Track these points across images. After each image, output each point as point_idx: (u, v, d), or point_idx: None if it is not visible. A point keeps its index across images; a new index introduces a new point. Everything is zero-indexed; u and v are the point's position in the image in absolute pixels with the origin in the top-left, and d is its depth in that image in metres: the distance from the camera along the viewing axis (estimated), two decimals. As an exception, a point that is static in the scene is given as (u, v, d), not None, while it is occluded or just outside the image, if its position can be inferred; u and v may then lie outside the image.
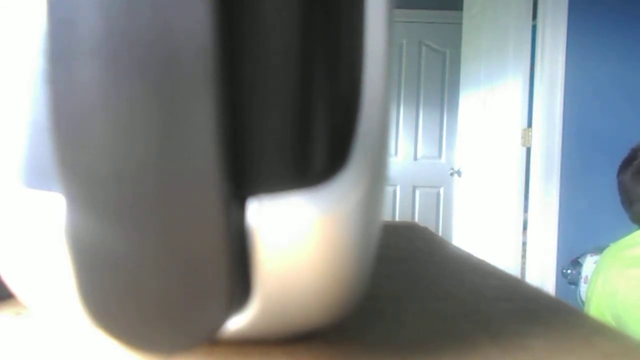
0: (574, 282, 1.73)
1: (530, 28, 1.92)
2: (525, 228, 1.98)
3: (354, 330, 0.17)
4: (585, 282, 1.60)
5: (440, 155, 3.06)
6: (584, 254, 1.72)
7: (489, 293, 0.23)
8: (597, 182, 1.86)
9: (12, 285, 0.13)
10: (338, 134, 0.12)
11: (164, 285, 0.11)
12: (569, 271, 1.76)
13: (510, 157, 2.01)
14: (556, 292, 1.86)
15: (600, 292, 1.01)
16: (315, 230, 0.12)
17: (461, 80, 2.57)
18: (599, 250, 1.54)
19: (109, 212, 0.10)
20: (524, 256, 1.99)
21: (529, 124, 1.95)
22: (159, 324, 0.11)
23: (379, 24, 0.13)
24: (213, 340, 0.15)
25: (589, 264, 1.63)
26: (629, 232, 1.08)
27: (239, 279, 0.11)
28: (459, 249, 0.35)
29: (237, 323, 0.13)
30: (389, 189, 3.01)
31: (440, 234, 2.97)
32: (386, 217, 3.00)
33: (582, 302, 1.53)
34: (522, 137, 1.94)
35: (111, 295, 0.11)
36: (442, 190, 3.05)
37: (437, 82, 3.04)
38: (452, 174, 2.69)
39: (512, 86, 1.99)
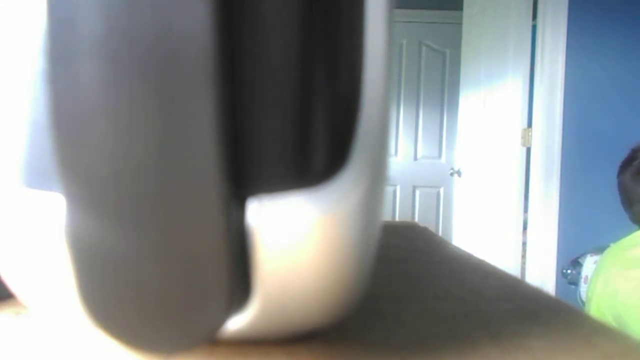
0: (574, 282, 1.73)
1: (530, 28, 1.92)
2: (525, 228, 1.98)
3: (354, 330, 0.17)
4: (585, 282, 1.60)
5: (440, 155, 3.06)
6: (584, 254, 1.72)
7: (489, 293, 0.23)
8: (597, 182, 1.86)
9: (12, 285, 0.13)
10: (338, 134, 0.12)
11: (164, 285, 0.11)
12: (569, 271, 1.76)
13: (510, 157, 2.01)
14: (556, 292, 1.86)
15: (600, 292, 1.01)
16: (315, 230, 0.12)
17: (461, 80, 2.57)
18: (599, 250, 1.54)
19: (109, 212, 0.10)
20: (524, 256, 1.99)
21: (529, 124, 1.95)
22: (159, 324, 0.11)
23: (379, 24, 0.13)
24: (213, 340, 0.15)
25: (589, 264, 1.63)
26: (629, 232, 1.08)
27: (239, 279, 0.11)
28: (459, 249, 0.35)
29: (237, 323, 0.13)
30: (389, 189, 3.01)
31: (440, 234, 2.97)
32: (386, 217, 3.00)
33: (582, 302, 1.53)
34: (522, 137, 1.94)
35: (111, 295, 0.11)
36: (442, 190, 3.05)
37: (437, 82, 3.04)
38: (452, 174, 2.69)
39: (512, 86, 1.99)
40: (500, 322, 0.19)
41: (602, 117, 1.89)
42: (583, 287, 1.61)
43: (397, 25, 2.94)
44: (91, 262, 0.11)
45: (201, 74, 0.10)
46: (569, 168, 1.89)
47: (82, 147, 0.10)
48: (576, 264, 1.74)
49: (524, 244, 1.98)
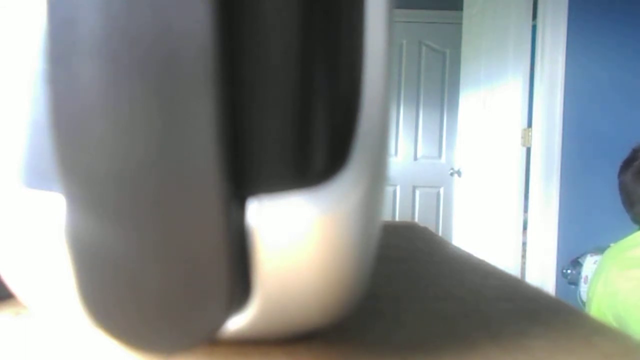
0: (574, 282, 1.72)
1: (530, 28, 1.92)
2: (525, 228, 1.98)
3: (354, 330, 0.17)
4: (585, 282, 1.60)
5: (440, 155, 3.06)
6: (584, 254, 1.72)
7: (489, 293, 0.23)
8: (597, 182, 1.86)
9: (12, 285, 0.13)
10: (338, 134, 0.12)
11: (164, 285, 0.11)
12: (569, 271, 1.76)
13: (510, 157, 2.01)
14: (556, 292, 1.86)
15: (601, 292, 1.01)
16: (315, 230, 0.12)
17: (461, 80, 2.57)
18: (599, 250, 1.54)
19: (109, 212, 0.10)
20: (524, 256, 1.99)
21: (529, 124, 1.95)
22: (159, 324, 0.11)
23: (379, 24, 0.13)
24: (213, 340, 0.15)
25: (589, 264, 1.63)
26: (629, 232, 1.08)
27: (239, 279, 0.11)
28: (459, 249, 0.35)
29: (237, 323, 0.13)
30: (389, 189, 3.01)
31: (440, 234, 2.97)
32: (386, 217, 3.00)
33: (582, 302, 1.53)
34: (522, 137, 1.94)
35: (111, 295, 0.11)
36: (442, 190, 3.05)
37: (437, 82, 3.04)
38: (452, 174, 2.69)
39: (512, 86, 1.99)
40: (500, 322, 0.19)
41: (602, 117, 1.89)
42: (583, 287, 1.61)
43: (397, 25, 2.94)
44: (91, 262, 0.11)
45: (201, 74, 0.10)
46: (569, 168, 1.89)
47: (82, 147, 0.10)
48: (576, 264, 1.73)
49: (524, 244, 1.98)
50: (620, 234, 1.13)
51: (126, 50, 0.10)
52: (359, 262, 0.13)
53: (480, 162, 2.31)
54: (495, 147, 2.14)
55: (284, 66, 0.11)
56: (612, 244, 1.13)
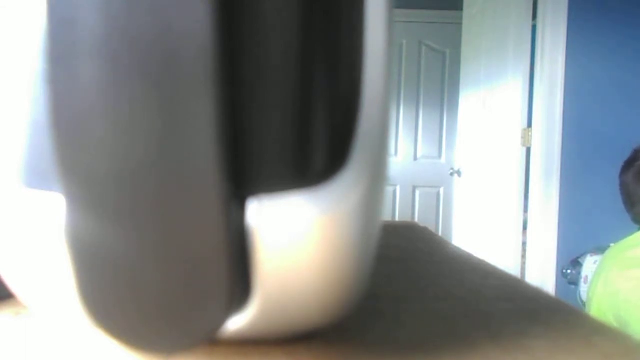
0: (574, 282, 1.72)
1: (530, 28, 1.92)
2: (525, 228, 1.98)
3: (354, 330, 0.17)
4: (585, 282, 1.59)
5: (440, 155, 3.06)
6: (584, 254, 1.72)
7: (489, 293, 0.23)
8: (597, 182, 1.86)
9: (12, 285, 0.13)
10: (338, 134, 0.12)
11: (164, 286, 0.11)
12: (569, 271, 1.76)
13: (510, 157, 2.01)
14: (556, 292, 1.86)
15: (601, 292, 1.01)
16: (315, 230, 0.12)
17: (461, 80, 2.57)
18: (599, 250, 1.54)
19: (109, 212, 0.10)
20: (524, 256, 1.99)
21: (529, 124, 1.95)
22: (159, 324, 0.11)
23: (379, 24, 0.13)
24: (213, 340, 0.15)
25: (589, 264, 1.63)
26: (629, 232, 1.08)
27: (239, 279, 0.11)
28: (459, 249, 0.35)
29: (237, 323, 0.13)
30: (389, 189, 3.01)
31: (440, 234, 2.97)
32: (386, 217, 3.00)
33: (582, 302, 1.53)
34: (522, 137, 1.94)
35: (111, 295, 0.11)
36: (442, 190, 3.05)
37: (437, 82, 3.04)
38: (452, 174, 2.69)
39: (512, 86, 1.99)
40: (500, 322, 0.19)
41: (602, 117, 1.89)
42: (583, 287, 1.61)
43: (397, 25, 2.94)
44: (91, 262, 0.11)
45: (201, 74, 0.10)
46: (569, 168, 1.89)
47: (82, 147, 0.10)
48: (576, 264, 1.73)
49: (524, 244, 1.98)
50: (620, 234, 1.13)
51: (126, 50, 0.10)
52: (359, 262, 0.13)
53: (480, 162, 2.31)
54: (495, 147, 2.14)
55: (284, 66, 0.11)
56: (612, 244, 1.13)
